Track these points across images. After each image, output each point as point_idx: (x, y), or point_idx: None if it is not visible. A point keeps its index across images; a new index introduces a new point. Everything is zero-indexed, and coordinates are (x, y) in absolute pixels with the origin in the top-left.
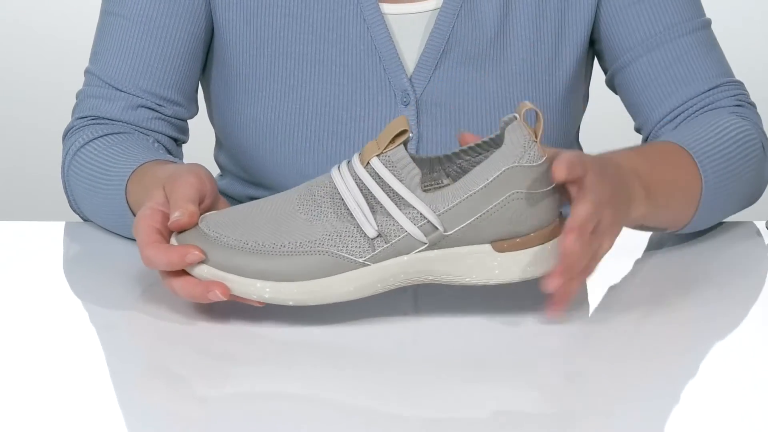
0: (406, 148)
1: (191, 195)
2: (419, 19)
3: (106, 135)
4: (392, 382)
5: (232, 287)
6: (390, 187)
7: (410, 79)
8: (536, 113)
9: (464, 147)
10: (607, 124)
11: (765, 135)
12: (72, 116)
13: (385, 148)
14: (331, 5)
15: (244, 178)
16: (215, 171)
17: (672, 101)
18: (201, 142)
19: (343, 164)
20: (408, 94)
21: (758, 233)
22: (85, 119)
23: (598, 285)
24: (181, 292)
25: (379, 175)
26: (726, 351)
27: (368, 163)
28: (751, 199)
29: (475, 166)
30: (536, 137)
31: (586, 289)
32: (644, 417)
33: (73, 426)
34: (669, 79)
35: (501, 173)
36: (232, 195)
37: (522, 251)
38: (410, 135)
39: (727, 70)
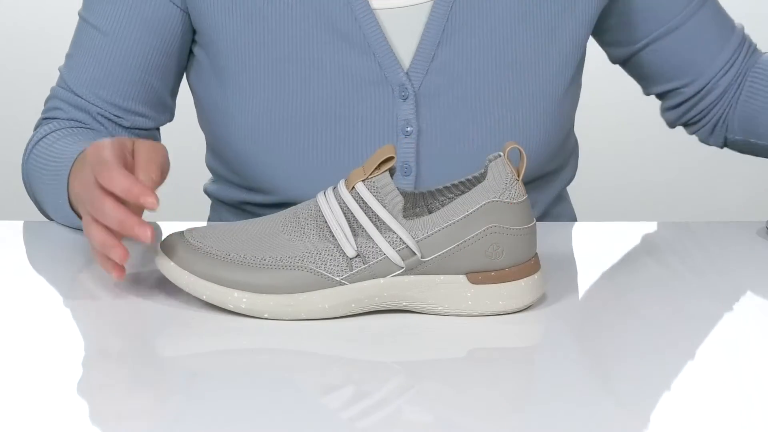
0: (392, 176)
1: (160, 162)
2: (412, 12)
3: (69, 128)
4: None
5: (210, 295)
6: (372, 211)
7: (407, 73)
8: (520, 152)
9: (447, 184)
10: (601, 115)
11: None
12: (42, 110)
13: (371, 174)
14: (321, 5)
15: (238, 183)
16: (207, 176)
17: (725, 54)
18: (193, 148)
19: (329, 189)
20: (406, 88)
21: (759, 233)
22: (50, 120)
23: (594, 283)
24: (112, 213)
25: (363, 199)
26: (726, 348)
27: (353, 187)
28: None
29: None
30: (519, 176)
31: (577, 286)
32: (640, 410)
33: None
34: (716, 35)
35: (481, 206)
36: (226, 200)
37: (496, 285)
38: (395, 164)
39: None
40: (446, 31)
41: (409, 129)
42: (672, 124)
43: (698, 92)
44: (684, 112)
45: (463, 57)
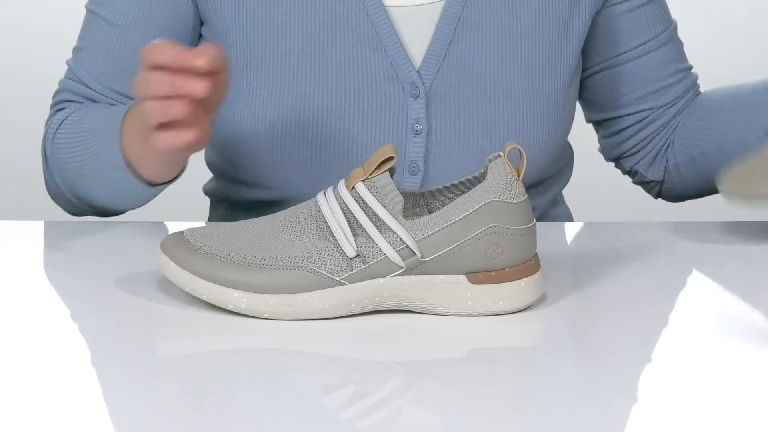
0: (392, 176)
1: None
2: (424, 10)
3: (89, 106)
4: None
5: (210, 295)
6: (372, 210)
7: (418, 71)
8: (520, 152)
9: (447, 184)
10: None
11: None
12: (51, 104)
13: (371, 174)
14: (333, 1)
15: (238, 180)
16: (206, 177)
17: (677, 89)
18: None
19: (329, 189)
20: (417, 87)
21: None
22: (63, 111)
23: (594, 283)
24: (162, 78)
25: (363, 199)
26: (727, 346)
27: (353, 187)
28: None
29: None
30: (519, 176)
31: (577, 286)
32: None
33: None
34: (675, 70)
35: (481, 206)
36: (225, 198)
37: (496, 285)
38: (395, 164)
39: None
40: (458, 31)
41: (418, 127)
42: (609, 154)
43: (641, 120)
44: (625, 139)
45: (474, 57)
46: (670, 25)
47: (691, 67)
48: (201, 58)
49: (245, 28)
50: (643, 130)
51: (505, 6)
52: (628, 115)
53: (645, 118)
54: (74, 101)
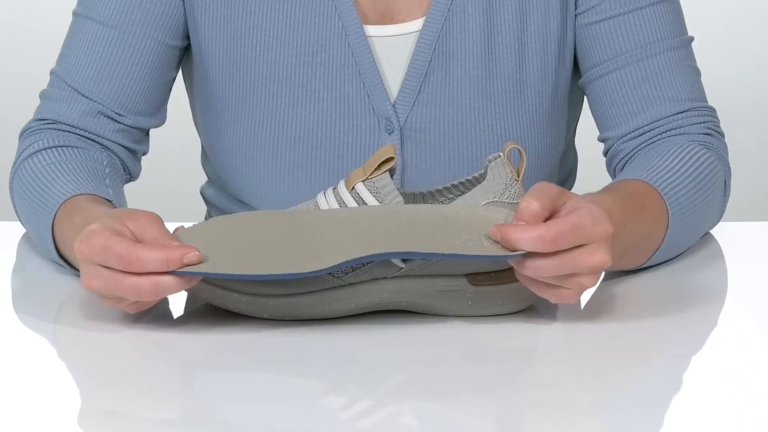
0: (392, 176)
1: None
2: (403, 41)
3: (59, 147)
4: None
5: (210, 295)
6: None
7: (394, 106)
8: (520, 153)
9: (447, 184)
10: None
11: (728, 168)
12: (33, 116)
13: (371, 174)
14: (316, 28)
15: (228, 190)
16: (203, 178)
17: (638, 120)
18: (195, 149)
19: (329, 189)
20: (391, 122)
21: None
22: (44, 122)
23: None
24: (152, 256)
25: (363, 200)
26: (728, 347)
27: (353, 187)
28: (701, 234)
29: None
30: (518, 176)
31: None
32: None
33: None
34: (637, 98)
35: (481, 206)
36: (219, 206)
37: (496, 286)
38: (395, 164)
39: (699, 95)
40: (433, 62)
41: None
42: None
43: (607, 152)
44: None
45: (449, 88)
46: (648, 45)
47: (704, 98)
48: (191, 251)
49: (227, 48)
50: (611, 160)
51: (481, 34)
52: (604, 141)
53: (609, 149)
54: (59, 110)
